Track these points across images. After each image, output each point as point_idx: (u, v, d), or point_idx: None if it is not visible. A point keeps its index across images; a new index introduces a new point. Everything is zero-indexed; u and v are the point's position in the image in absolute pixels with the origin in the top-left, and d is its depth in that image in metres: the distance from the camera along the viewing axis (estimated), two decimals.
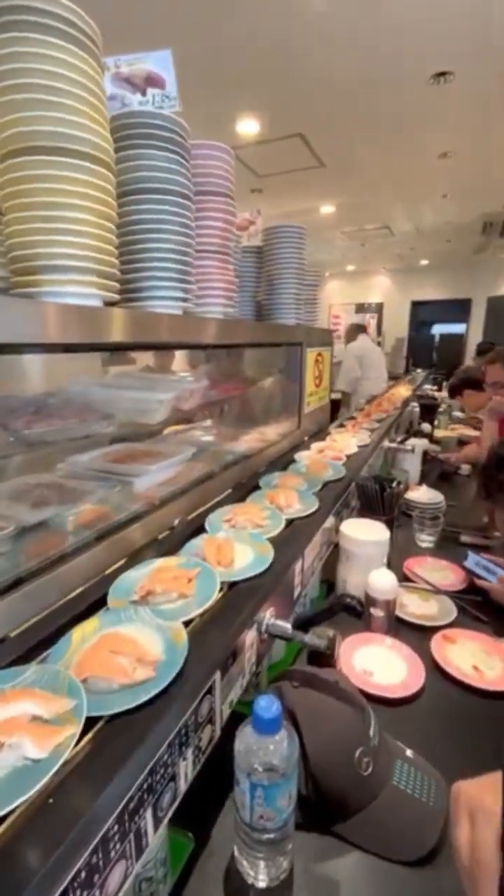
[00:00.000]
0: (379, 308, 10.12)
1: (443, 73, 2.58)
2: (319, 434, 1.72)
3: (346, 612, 0.60)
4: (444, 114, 3.09)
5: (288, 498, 0.91)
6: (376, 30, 2.28)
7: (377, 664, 0.86)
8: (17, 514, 0.68)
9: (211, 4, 2.12)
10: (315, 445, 1.44)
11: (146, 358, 1.33)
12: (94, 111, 0.61)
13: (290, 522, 0.85)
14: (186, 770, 0.48)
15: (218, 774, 0.56)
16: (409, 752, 0.66)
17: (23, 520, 0.67)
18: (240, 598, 0.62)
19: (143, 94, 0.85)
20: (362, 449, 1.47)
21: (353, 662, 0.86)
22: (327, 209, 5.49)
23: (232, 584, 0.64)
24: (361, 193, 4.88)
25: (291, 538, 0.80)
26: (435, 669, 0.86)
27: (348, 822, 0.58)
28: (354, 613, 0.60)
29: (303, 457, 1.32)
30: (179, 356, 1.37)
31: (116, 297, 0.72)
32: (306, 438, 1.65)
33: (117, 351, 0.95)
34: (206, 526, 0.82)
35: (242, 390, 1.50)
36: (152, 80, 0.85)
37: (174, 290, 0.85)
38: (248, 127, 3.24)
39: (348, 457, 1.34)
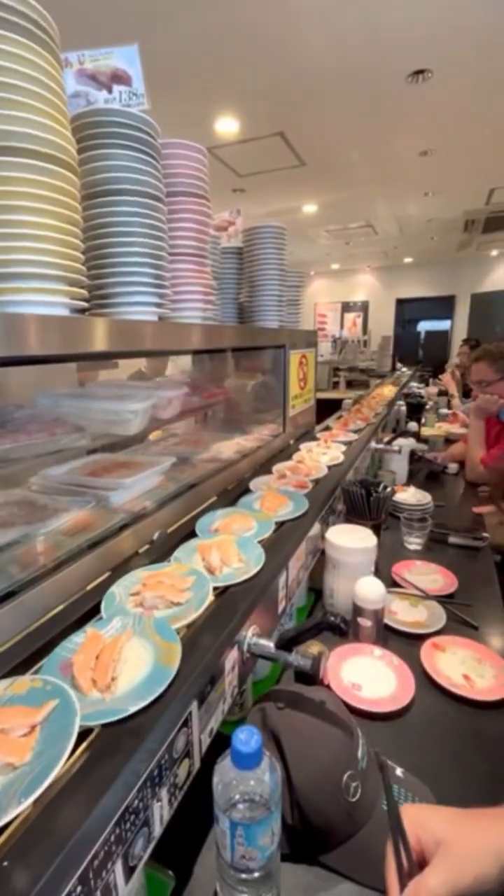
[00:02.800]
0: (364, 306, 10.17)
1: (421, 71, 2.58)
2: (306, 436, 1.70)
3: (330, 630, 0.57)
4: (423, 112, 3.09)
5: (224, 553, 0.71)
6: (354, 28, 2.26)
7: (366, 676, 0.84)
8: None
9: (189, 5, 2.09)
10: (278, 468, 1.21)
11: (132, 363, 1.30)
12: (51, 108, 0.58)
13: (222, 591, 0.64)
14: (162, 812, 0.45)
15: (200, 805, 0.53)
16: (398, 772, 0.64)
17: None
18: (112, 755, 0.39)
19: (110, 91, 0.81)
20: (334, 469, 1.24)
21: (341, 676, 0.84)
22: (310, 208, 5.49)
23: (110, 723, 0.41)
24: (343, 192, 4.88)
25: (218, 619, 0.58)
26: (425, 680, 0.84)
27: (337, 851, 0.55)
28: (339, 632, 0.58)
29: (259, 485, 1.07)
30: (171, 359, 1.34)
31: (85, 304, 0.69)
32: (292, 441, 1.63)
33: (90, 360, 0.92)
34: (103, 608, 0.59)
35: (226, 395, 1.47)
36: (118, 77, 0.81)
37: (148, 296, 0.82)
38: (228, 126, 3.21)
39: (316, 482, 1.12)
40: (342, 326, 10.27)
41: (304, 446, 1.47)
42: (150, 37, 2.31)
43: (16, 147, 0.54)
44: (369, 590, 0.91)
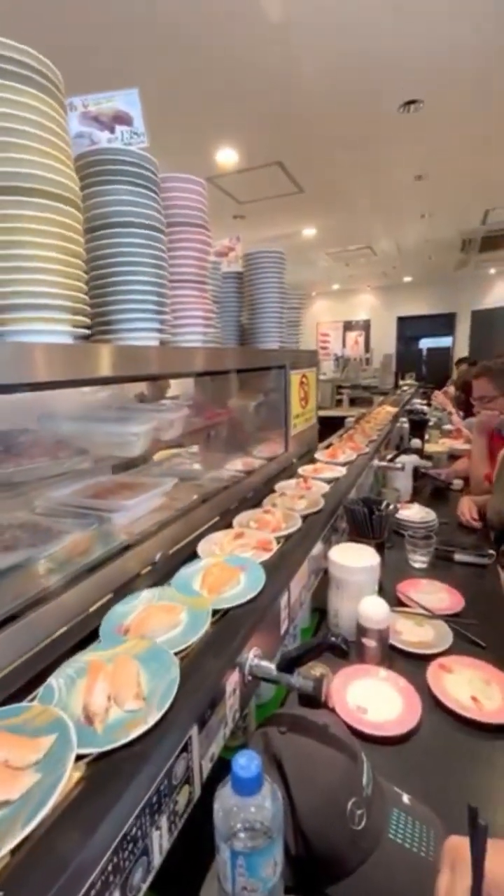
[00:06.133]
0: (366, 325, 10.29)
1: (412, 102, 2.69)
2: (308, 455, 1.71)
3: (331, 651, 0.57)
4: (416, 139, 3.20)
5: (118, 684, 0.47)
6: (347, 61, 2.37)
7: (371, 699, 0.82)
8: None
9: (189, 43, 2.20)
10: (240, 520, 0.97)
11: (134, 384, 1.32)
12: (55, 150, 0.61)
13: (97, 758, 0.41)
14: (161, 840, 0.44)
15: (202, 832, 0.52)
16: (405, 799, 0.62)
17: None
18: None
19: (112, 131, 0.85)
20: (314, 519, 1.00)
21: (346, 699, 0.82)
22: (309, 232, 5.62)
23: None
24: (341, 216, 5.01)
25: (48, 861, 0.33)
26: (432, 702, 0.83)
27: (342, 883, 0.54)
28: (340, 653, 0.57)
29: (210, 547, 0.83)
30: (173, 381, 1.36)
31: (87, 331, 0.71)
32: (294, 460, 1.63)
33: (95, 385, 0.94)
34: None
35: (228, 415, 1.49)
36: (120, 118, 0.86)
37: (149, 322, 0.84)
38: (228, 157, 3.33)
39: (286, 539, 0.88)
40: (344, 345, 10.38)
41: (279, 486, 1.24)
42: (153, 74, 2.43)
43: (23, 187, 0.57)
44: (373, 609, 0.90)
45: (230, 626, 0.62)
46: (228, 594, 0.68)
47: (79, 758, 0.40)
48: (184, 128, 2.94)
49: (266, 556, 0.80)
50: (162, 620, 0.59)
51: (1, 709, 0.46)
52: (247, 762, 0.45)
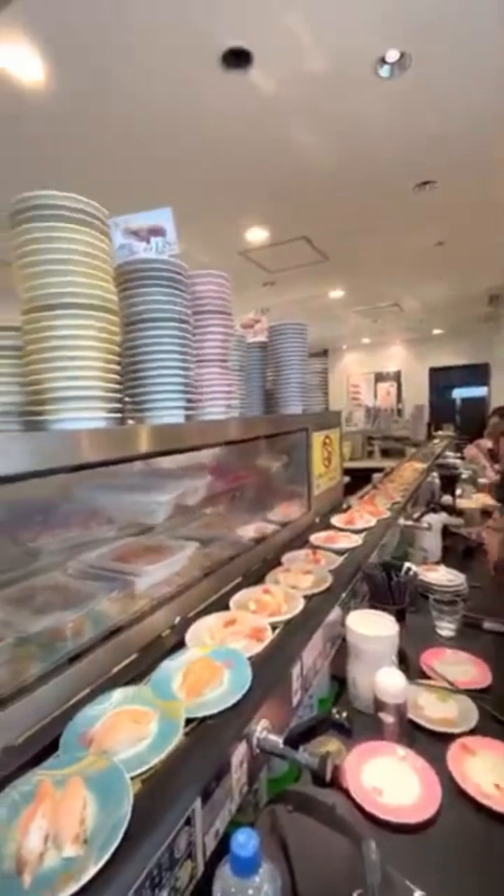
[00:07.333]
0: (397, 375, 10.37)
1: (426, 182, 2.90)
2: (332, 513, 1.73)
3: (335, 729, 0.58)
4: (432, 213, 3.41)
5: (60, 816, 0.42)
6: (358, 151, 2.61)
7: (388, 780, 0.79)
8: (20, 622, 0.71)
9: (217, 148, 2.52)
10: (241, 599, 0.92)
11: None
12: (96, 270, 0.74)
13: None
14: None
15: None
16: (418, 895, 0.60)
17: (25, 628, 0.70)
18: None
19: (148, 242, 1.01)
20: (316, 601, 0.94)
21: (361, 778, 0.80)
22: (336, 294, 5.90)
23: None
24: (367, 280, 5.26)
25: None
26: (452, 787, 0.79)
27: None
28: (342, 731, 0.58)
29: (200, 633, 0.78)
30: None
31: (119, 415, 0.81)
32: (317, 519, 1.66)
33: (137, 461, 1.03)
34: None
35: (251, 478, 1.56)
36: (155, 231, 1.01)
37: (176, 401, 0.94)
38: (257, 235, 3.66)
39: (287, 624, 0.83)
40: (376, 396, 10.45)
41: (286, 558, 1.17)
42: (191, 177, 2.77)
43: (71, 303, 0.70)
44: (389, 682, 0.89)
45: (205, 737, 0.57)
46: (208, 697, 0.61)
47: None
48: (219, 215, 3.28)
49: (258, 647, 0.73)
50: (128, 731, 0.53)
51: None
52: (245, 839, 0.47)
